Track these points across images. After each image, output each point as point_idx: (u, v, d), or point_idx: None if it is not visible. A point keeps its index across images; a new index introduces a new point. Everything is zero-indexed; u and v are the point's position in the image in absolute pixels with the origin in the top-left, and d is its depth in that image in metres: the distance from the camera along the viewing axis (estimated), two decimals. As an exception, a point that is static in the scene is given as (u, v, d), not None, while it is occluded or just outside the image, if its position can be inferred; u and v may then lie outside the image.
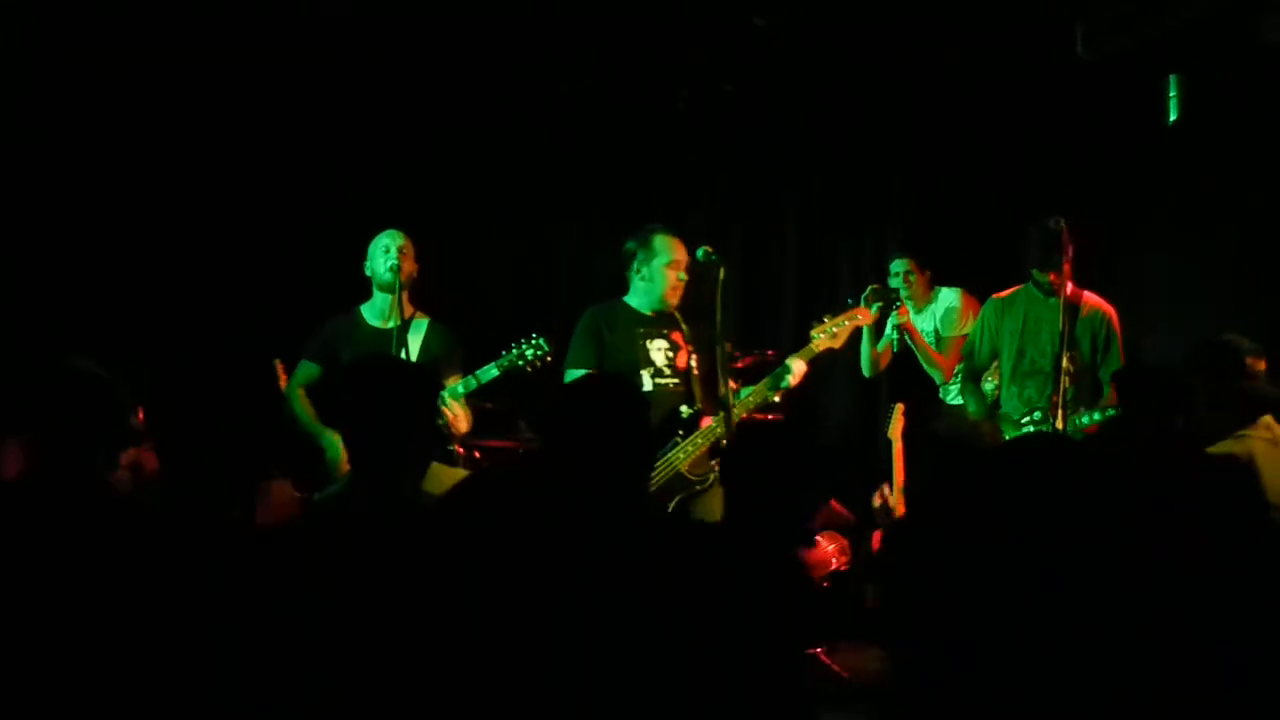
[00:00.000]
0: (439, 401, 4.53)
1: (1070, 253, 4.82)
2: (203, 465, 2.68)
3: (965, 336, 5.55)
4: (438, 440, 4.44)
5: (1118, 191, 6.23)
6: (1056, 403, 4.66)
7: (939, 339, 5.83)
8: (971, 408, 5.31)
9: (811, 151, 6.86)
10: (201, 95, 5.88)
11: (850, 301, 5.17)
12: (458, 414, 4.70)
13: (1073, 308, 4.90)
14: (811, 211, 6.98)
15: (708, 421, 4.65)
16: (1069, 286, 4.88)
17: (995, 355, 5.25)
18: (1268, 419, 3.95)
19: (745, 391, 4.79)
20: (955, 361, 5.68)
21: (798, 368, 4.78)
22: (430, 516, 2.55)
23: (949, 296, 5.92)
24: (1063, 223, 4.79)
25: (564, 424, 2.60)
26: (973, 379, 5.33)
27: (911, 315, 5.64)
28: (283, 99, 6.02)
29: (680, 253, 4.78)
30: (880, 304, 5.29)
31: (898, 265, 5.95)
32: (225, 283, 5.94)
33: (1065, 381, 4.75)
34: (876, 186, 6.94)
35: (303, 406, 4.82)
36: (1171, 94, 5.71)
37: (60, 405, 2.61)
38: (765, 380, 4.79)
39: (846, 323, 4.93)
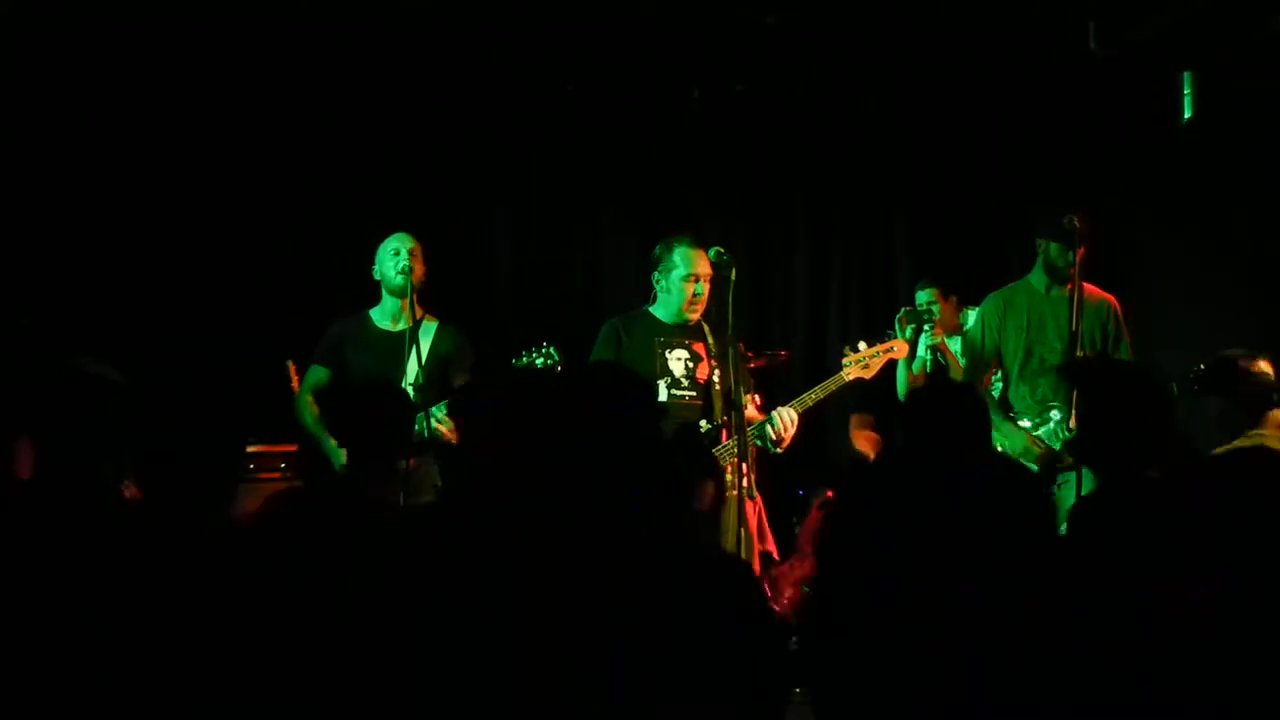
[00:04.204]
0: (431, 418, 4.45)
1: (1081, 252, 4.74)
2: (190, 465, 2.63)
3: None
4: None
5: (1131, 189, 6.19)
6: (1074, 400, 4.54)
7: None
8: (1014, 446, 4.81)
9: (822, 150, 6.83)
10: (206, 94, 5.88)
11: (889, 333, 5.07)
12: (448, 433, 4.45)
13: (1081, 302, 4.81)
14: (822, 211, 6.94)
15: (727, 437, 4.56)
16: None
17: (998, 353, 5.05)
18: (1277, 415, 3.89)
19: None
20: (988, 379, 5.55)
21: (784, 419, 4.58)
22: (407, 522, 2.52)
23: (975, 317, 5.87)
24: (1076, 220, 4.73)
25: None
26: (977, 373, 5.08)
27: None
28: (294, 95, 6.02)
29: (701, 266, 4.69)
30: (913, 325, 5.30)
31: (922, 296, 5.91)
32: (235, 283, 5.93)
33: None
34: (887, 185, 6.90)
35: (310, 412, 4.80)
36: (1186, 91, 5.67)
37: (64, 407, 2.60)
38: (752, 429, 4.56)
39: (881, 354, 4.82)
